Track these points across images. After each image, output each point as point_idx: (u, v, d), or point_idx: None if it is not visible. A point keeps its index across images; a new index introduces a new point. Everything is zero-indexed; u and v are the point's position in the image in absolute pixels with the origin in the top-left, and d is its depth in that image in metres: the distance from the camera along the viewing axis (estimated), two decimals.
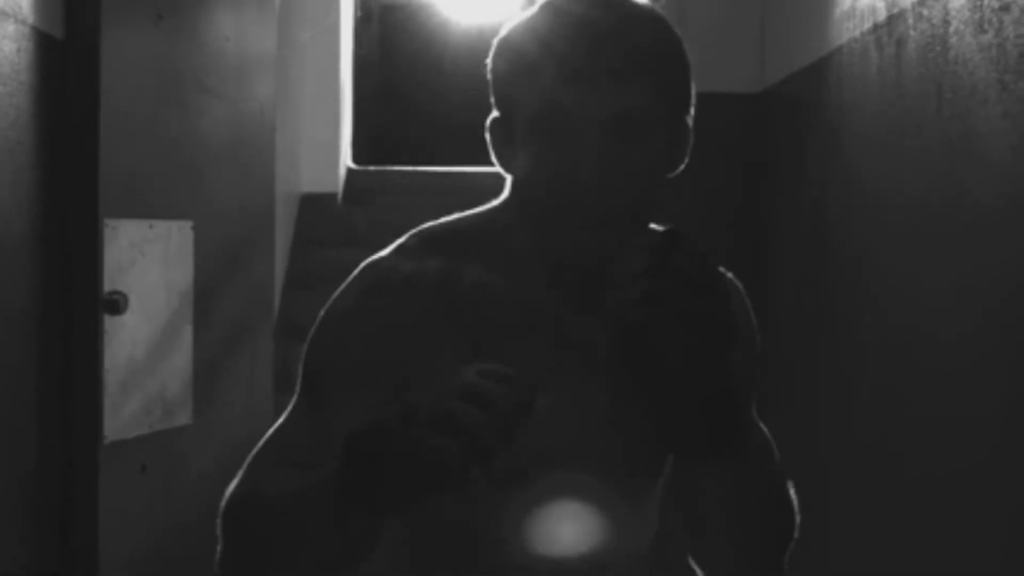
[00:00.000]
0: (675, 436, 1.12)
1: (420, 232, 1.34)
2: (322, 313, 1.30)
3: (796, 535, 1.26)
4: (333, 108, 5.78)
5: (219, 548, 1.30)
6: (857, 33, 2.71)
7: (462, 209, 1.36)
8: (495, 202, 1.33)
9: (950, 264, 2.14)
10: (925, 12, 2.25)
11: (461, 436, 1.01)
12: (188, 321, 3.35)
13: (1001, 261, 1.91)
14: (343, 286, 1.31)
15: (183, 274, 3.34)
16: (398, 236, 1.34)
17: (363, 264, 1.32)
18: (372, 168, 6.19)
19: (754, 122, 3.76)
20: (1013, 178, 1.86)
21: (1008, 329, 1.88)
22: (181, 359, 3.33)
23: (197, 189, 3.41)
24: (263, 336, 3.79)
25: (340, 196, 5.81)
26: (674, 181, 1.26)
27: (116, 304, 3.02)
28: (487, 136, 1.30)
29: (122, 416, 3.09)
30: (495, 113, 1.29)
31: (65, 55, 2.97)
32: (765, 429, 1.30)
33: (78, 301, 3.02)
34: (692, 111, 1.27)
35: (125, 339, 3.09)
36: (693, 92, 1.26)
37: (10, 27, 2.64)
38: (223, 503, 1.30)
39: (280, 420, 1.31)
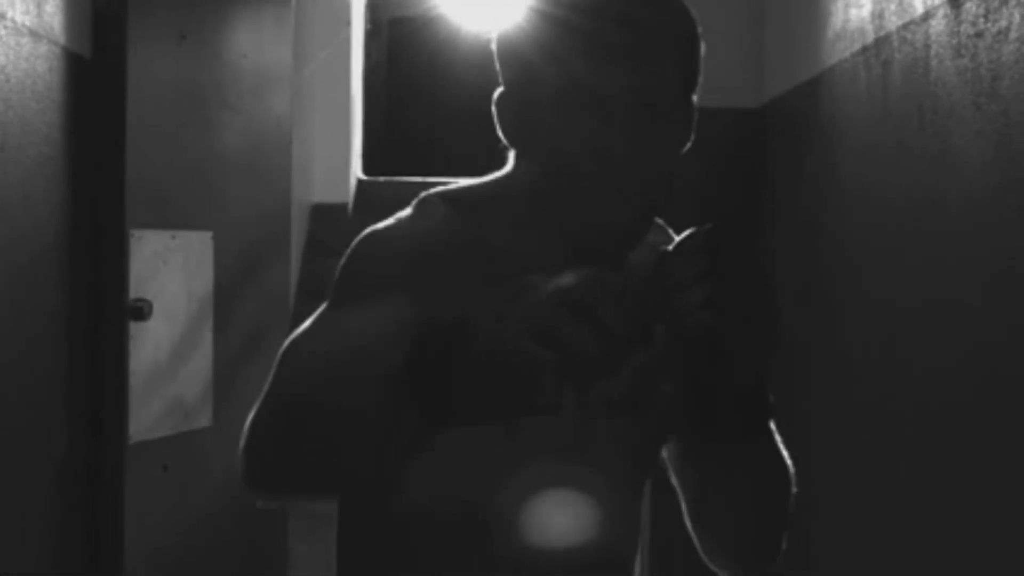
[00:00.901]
0: (714, 421, 1.15)
1: (435, 193, 1.32)
2: (355, 242, 1.27)
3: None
4: (344, 120, 5.80)
5: (243, 446, 1.16)
6: (848, 54, 2.84)
7: None
8: (499, 174, 1.32)
9: (930, 262, 2.27)
10: (909, 36, 2.38)
11: (564, 351, 0.89)
12: (208, 327, 3.48)
13: (975, 259, 2.04)
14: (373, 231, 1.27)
15: (203, 282, 3.47)
16: None
17: (379, 226, 1.29)
18: (382, 179, 6.30)
19: (753, 136, 3.87)
20: (986, 188, 1.99)
21: (981, 318, 2.01)
22: (202, 363, 3.46)
23: (217, 201, 3.54)
24: (280, 341, 3.90)
25: (351, 206, 5.92)
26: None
27: (141, 311, 3.15)
28: (494, 110, 1.29)
29: (146, 417, 3.21)
30: (503, 89, 1.29)
31: (93, 73, 3.09)
32: None
33: (105, 308, 3.13)
34: (698, 89, 1.28)
35: (149, 344, 3.22)
36: (701, 70, 1.27)
37: (43, 48, 2.77)
38: (255, 415, 1.17)
39: (305, 325, 1.23)
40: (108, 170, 3.13)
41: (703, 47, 1.25)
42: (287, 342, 1.22)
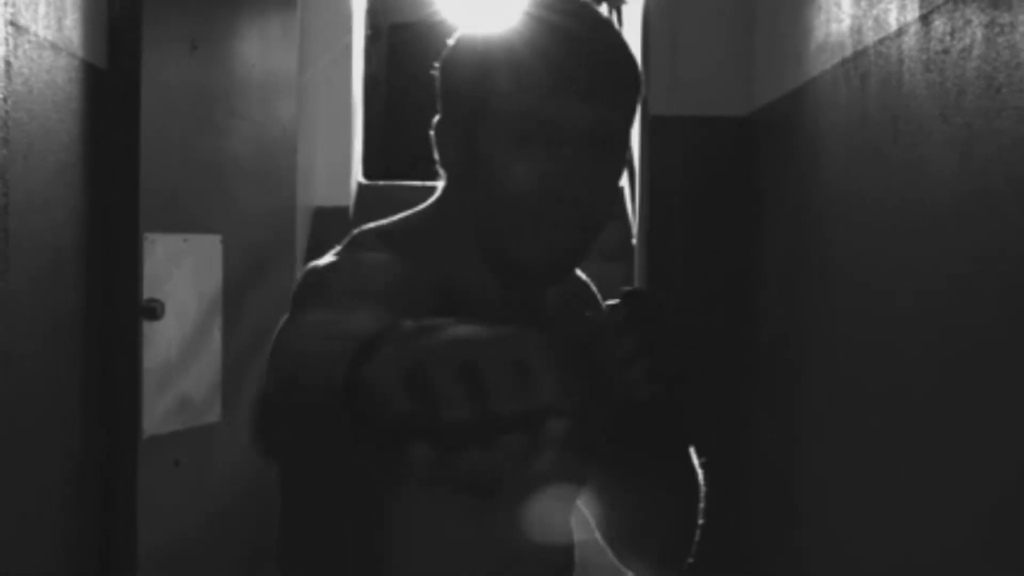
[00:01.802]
0: (646, 446, 1.23)
1: (369, 230, 1.29)
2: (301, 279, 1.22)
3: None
4: (345, 125, 5.91)
5: (263, 387, 1.11)
6: (829, 66, 2.97)
7: None
8: (431, 202, 1.31)
9: (905, 261, 2.40)
10: (884, 51, 2.51)
11: (429, 408, 0.70)
12: (218, 326, 3.61)
13: (944, 258, 2.18)
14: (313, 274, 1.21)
15: (213, 283, 3.60)
16: None
17: (315, 264, 1.23)
18: (381, 183, 6.41)
19: (743, 142, 3.96)
20: (953, 195, 2.12)
21: (948, 310, 2.14)
22: (211, 361, 3.58)
23: (226, 205, 3.66)
24: None
25: (351, 210, 6.01)
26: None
27: (154, 311, 3.27)
28: (432, 136, 1.28)
29: (158, 413, 3.33)
30: (443, 115, 1.28)
31: (109, 84, 3.19)
32: None
33: (120, 308, 3.24)
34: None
35: (162, 343, 3.34)
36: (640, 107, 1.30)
37: (63, 60, 2.89)
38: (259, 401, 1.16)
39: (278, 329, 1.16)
40: (123, 176, 3.24)
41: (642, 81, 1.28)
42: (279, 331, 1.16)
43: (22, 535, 2.67)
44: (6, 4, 2.47)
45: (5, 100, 2.49)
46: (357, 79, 6.12)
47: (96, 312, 3.16)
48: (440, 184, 1.31)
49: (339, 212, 5.85)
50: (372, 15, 6.96)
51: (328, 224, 5.64)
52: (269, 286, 3.90)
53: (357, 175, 6.20)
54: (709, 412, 1.24)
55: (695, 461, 1.31)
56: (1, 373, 2.52)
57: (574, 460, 1.17)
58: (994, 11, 1.93)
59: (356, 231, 1.29)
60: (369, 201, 6.05)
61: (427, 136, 1.29)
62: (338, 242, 1.29)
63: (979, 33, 2.00)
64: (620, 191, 1.29)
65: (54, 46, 2.81)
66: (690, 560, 1.37)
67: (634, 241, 4.91)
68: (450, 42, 1.30)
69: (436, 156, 1.28)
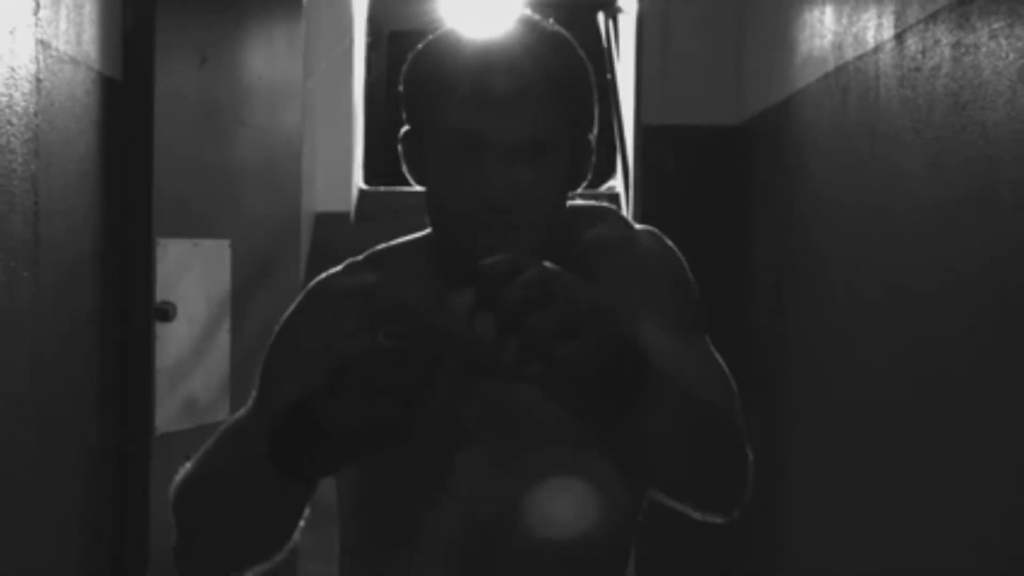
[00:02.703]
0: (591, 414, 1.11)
1: (372, 250, 1.41)
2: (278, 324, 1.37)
3: (743, 456, 1.29)
4: (347, 131, 5.96)
5: (175, 535, 1.29)
6: (813, 79, 3.10)
7: None
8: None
9: (882, 263, 2.53)
10: (862, 66, 2.65)
11: (389, 391, 0.99)
12: (226, 327, 3.72)
13: (917, 258, 2.30)
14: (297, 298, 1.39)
15: (222, 286, 3.71)
16: None
17: (316, 279, 1.40)
18: (382, 189, 6.47)
19: (734, 151, 4.06)
20: (925, 202, 2.25)
21: (924, 312, 2.26)
22: (220, 361, 3.69)
23: (234, 211, 3.78)
24: None
25: (352, 215, 6.07)
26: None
27: (166, 312, 3.37)
28: (399, 148, 1.33)
29: (170, 411, 3.43)
30: (407, 127, 1.32)
31: (124, 95, 3.30)
32: (719, 357, 1.39)
33: (134, 309, 3.34)
34: (595, 130, 1.31)
35: (173, 343, 3.45)
36: (596, 112, 1.30)
37: (81, 73, 3.02)
38: (173, 489, 1.30)
39: (234, 416, 1.37)
40: (136, 183, 3.33)
41: (593, 87, 1.29)
42: (216, 434, 1.39)
43: (41, 522, 2.77)
44: (37, 24, 2.61)
45: (36, 115, 2.61)
46: (358, 86, 6.19)
47: (112, 314, 3.26)
48: None
49: (340, 217, 5.90)
50: (372, 23, 7.06)
51: (329, 229, 5.69)
52: (275, 289, 4.00)
53: (358, 181, 6.27)
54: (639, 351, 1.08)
55: (665, 389, 1.13)
56: (32, 371, 2.64)
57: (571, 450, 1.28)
58: (960, 32, 2.06)
59: (351, 260, 1.41)
60: (369, 207, 6.10)
61: None
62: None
63: (947, 52, 2.13)
64: (562, 193, 1.29)
65: (74, 60, 2.93)
66: (735, 494, 1.28)
67: None
68: (409, 56, 1.34)
69: (403, 166, 1.35)
